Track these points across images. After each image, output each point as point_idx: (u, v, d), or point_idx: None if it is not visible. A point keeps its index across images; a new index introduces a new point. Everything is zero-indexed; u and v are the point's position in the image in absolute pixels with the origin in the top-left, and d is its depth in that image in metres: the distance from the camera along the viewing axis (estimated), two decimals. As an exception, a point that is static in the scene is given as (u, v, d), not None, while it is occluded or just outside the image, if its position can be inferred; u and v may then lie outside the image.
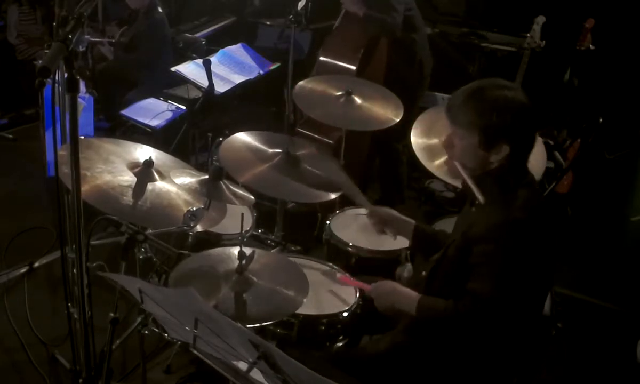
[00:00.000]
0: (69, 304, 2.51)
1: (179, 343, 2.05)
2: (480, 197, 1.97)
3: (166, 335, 2.05)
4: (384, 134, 3.51)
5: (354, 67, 3.82)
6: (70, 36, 1.64)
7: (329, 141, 3.75)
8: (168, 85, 4.70)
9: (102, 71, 4.98)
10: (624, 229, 4.41)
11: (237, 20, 5.79)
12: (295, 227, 3.57)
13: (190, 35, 5.16)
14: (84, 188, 2.04)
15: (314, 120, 3.33)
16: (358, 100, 3.11)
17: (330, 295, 2.44)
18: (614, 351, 3.39)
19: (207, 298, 2.04)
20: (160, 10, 4.91)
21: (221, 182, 2.27)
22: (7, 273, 3.52)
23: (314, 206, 3.68)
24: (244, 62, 4.53)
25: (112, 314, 2.08)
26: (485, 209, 2.00)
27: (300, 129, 3.91)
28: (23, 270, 3.56)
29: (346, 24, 3.98)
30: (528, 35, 4.13)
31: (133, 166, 2.37)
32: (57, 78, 2.38)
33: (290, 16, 3.78)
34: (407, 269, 2.58)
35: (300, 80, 3.29)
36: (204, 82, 4.00)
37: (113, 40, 5.01)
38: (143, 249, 2.40)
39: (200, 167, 3.43)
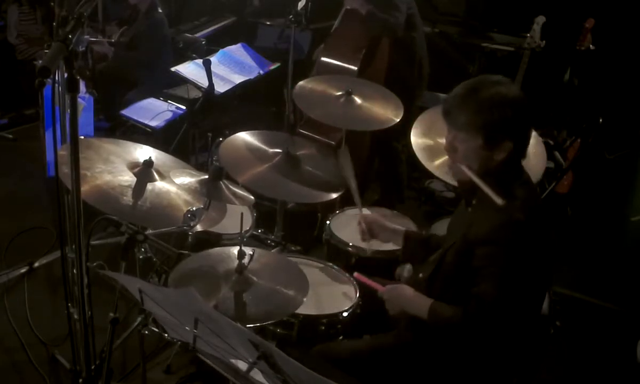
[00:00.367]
0: (69, 304, 2.51)
1: (179, 343, 2.05)
2: (498, 200, 1.91)
3: (166, 335, 2.05)
4: (383, 134, 3.51)
5: (355, 68, 3.81)
6: (70, 36, 1.64)
7: (330, 142, 3.75)
8: (168, 85, 4.70)
9: (102, 71, 4.98)
10: (624, 229, 4.41)
11: (237, 20, 5.80)
12: (295, 227, 3.57)
13: (190, 35, 5.17)
14: (84, 188, 2.05)
15: (314, 120, 3.33)
16: (358, 100, 3.11)
17: (330, 295, 2.44)
18: (613, 351, 3.39)
19: (207, 298, 2.04)
20: (160, 10, 4.91)
21: (221, 182, 2.27)
22: (7, 273, 3.52)
23: (314, 206, 3.68)
24: (244, 62, 4.53)
25: (112, 314, 2.08)
26: (484, 209, 1.99)
27: (301, 130, 3.91)
28: (23, 270, 3.56)
29: (346, 24, 3.97)
30: (528, 35, 4.14)
31: (133, 166, 2.37)
32: (57, 78, 2.38)
33: (290, 16, 3.78)
34: (407, 269, 2.58)
35: (300, 80, 3.29)
36: (204, 82, 4.00)
37: (112, 40, 5.01)
38: (143, 249, 2.41)
39: (200, 167, 3.43)
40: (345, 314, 2.33)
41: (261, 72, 4.51)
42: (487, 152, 1.98)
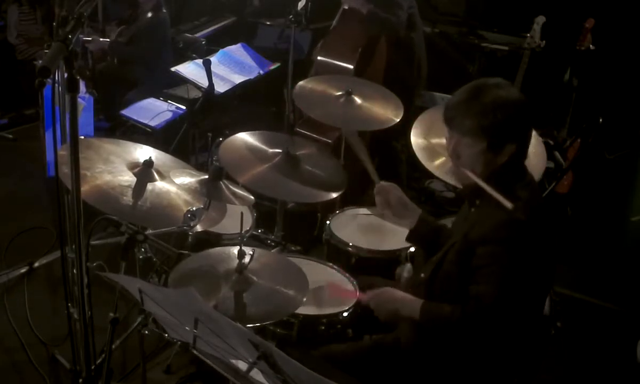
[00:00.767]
0: (69, 304, 2.51)
1: (179, 343, 2.05)
2: (507, 204, 1.90)
3: (166, 335, 2.05)
4: (382, 134, 3.51)
5: (351, 66, 3.81)
6: (70, 36, 1.64)
7: (328, 141, 3.75)
8: (168, 85, 4.70)
9: (102, 71, 4.99)
10: (624, 229, 4.41)
11: (237, 20, 5.80)
12: (295, 227, 3.57)
13: (190, 35, 5.17)
14: (84, 188, 2.04)
15: (313, 120, 3.33)
16: (358, 100, 3.11)
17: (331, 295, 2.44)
18: (614, 351, 3.39)
19: (207, 298, 2.04)
20: (164, 10, 4.92)
21: (221, 182, 2.27)
22: (7, 273, 3.52)
23: (314, 206, 3.68)
24: (244, 62, 4.53)
25: (112, 314, 2.08)
26: (487, 210, 1.99)
27: (299, 129, 3.91)
28: (23, 270, 3.56)
29: (345, 23, 3.97)
30: (528, 35, 4.14)
31: (133, 166, 2.37)
32: (57, 78, 2.38)
33: (290, 16, 3.78)
34: (407, 269, 2.57)
35: (300, 80, 3.29)
36: (204, 82, 4.00)
37: (108, 40, 5.01)
38: (143, 249, 2.40)
39: (200, 167, 3.43)
40: (345, 314, 2.33)
41: (261, 72, 4.52)
42: (491, 155, 1.98)
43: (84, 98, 3.89)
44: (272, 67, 4.64)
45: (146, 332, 2.23)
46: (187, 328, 1.72)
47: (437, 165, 2.66)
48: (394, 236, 2.72)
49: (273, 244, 3.17)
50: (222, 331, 1.63)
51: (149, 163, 2.35)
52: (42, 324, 3.15)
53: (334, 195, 2.74)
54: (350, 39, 3.90)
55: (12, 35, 5.61)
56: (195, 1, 5.83)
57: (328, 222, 2.89)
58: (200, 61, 4.09)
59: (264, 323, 2.12)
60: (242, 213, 2.26)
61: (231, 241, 2.65)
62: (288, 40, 3.93)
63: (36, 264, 3.60)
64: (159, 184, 2.33)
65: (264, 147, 2.82)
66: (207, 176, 2.29)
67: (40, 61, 1.87)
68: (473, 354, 2.03)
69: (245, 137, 2.86)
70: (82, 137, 2.25)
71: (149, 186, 2.30)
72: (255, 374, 1.63)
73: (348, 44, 3.88)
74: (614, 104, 4.52)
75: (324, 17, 4.84)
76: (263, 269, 2.20)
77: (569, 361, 3.30)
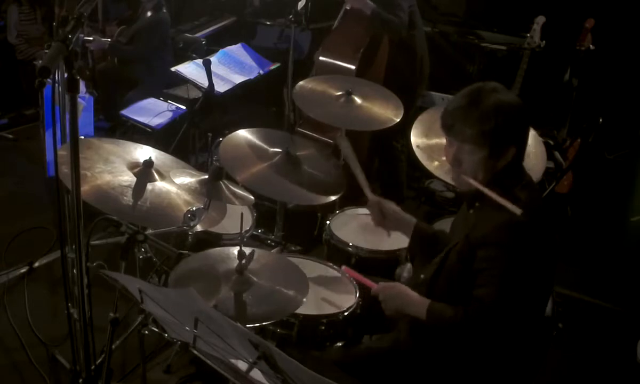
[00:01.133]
0: (69, 304, 2.51)
1: (179, 343, 2.05)
2: (516, 210, 1.88)
3: (166, 335, 2.05)
4: (382, 133, 3.51)
5: (353, 67, 3.81)
6: (70, 36, 1.64)
7: (328, 141, 3.75)
8: (168, 85, 4.71)
9: (102, 71, 4.99)
10: (624, 229, 4.41)
11: (237, 20, 5.80)
12: (295, 227, 3.57)
13: (190, 35, 5.18)
14: (84, 188, 2.05)
15: (313, 120, 3.33)
16: (358, 100, 3.11)
17: (330, 295, 2.44)
18: (614, 351, 3.39)
19: (207, 298, 2.04)
20: (165, 10, 4.92)
21: (221, 182, 2.27)
22: (7, 273, 3.52)
23: (314, 206, 3.68)
24: (244, 62, 4.53)
25: (112, 314, 2.08)
26: (486, 212, 1.99)
27: (299, 129, 3.91)
28: (23, 270, 3.56)
29: (347, 24, 3.97)
30: (528, 35, 4.14)
31: (133, 166, 2.37)
32: (57, 78, 2.38)
33: (290, 16, 3.79)
34: (407, 269, 2.58)
35: (300, 80, 3.29)
36: (204, 82, 4.00)
37: (108, 40, 5.01)
38: (143, 249, 2.40)
39: (200, 167, 3.44)
40: (345, 314, 2.33)
41: (261, 72, 4.52)
42: (492, 161, 1.98)
43: (84, 98, 3.89)
44: (272, 67, 4.64)
45: (146, 332, 2.23)
46: (187, 327, 1.72)
47: (437, 165, 2.66)
48: (394, 236, 2.71)
49: (273, 244, 3.17)
50: (222, 331, 1.63)
51: (149, 163, 2.35)
52: (42, 324, 3.15)
53: (333, 198, 2.74)
54: (352, 39, 3.89)
55: (12, 35, 5.60)
56: (195, 1, 5.83)
57: (328, 222, 2.89)
58: (200, 61, 4.09)
59: (264, 323, 2.12)
60: (242, 213, 2.26)
61: (231, 241, 2.66)
62: (288, 40, 3.94)
63: (36, 264, 3.60)
64: (159, 184, 2.34)
65: (264, 146, 2.82)
66: (207, 176, 2.29)
67: (40, 61, 1.87)
68: (474, 355, 2.02)
69: (245, 135, 2.86)
70: (82, 137, 2.26)
71: (149, 186, 2.30)
72: (255, 374, 1.64)
73: (350, 45, 3.88)
74: (613, 104, 4.52)
75: (324, 17, 4.86)
76: (263, 270, 2.20)
77: (569, 361, 3.29)
